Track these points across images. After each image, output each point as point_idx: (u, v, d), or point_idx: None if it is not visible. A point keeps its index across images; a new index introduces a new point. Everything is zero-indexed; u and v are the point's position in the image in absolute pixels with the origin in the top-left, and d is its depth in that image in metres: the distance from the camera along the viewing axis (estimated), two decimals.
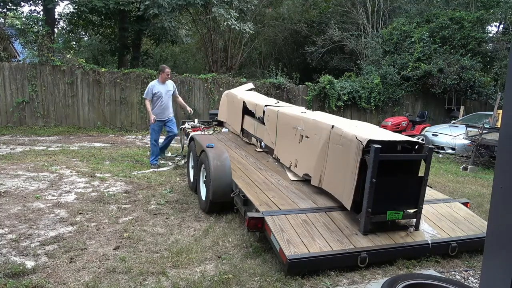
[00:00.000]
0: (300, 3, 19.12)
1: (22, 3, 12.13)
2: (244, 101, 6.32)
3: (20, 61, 13.35)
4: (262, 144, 5.87)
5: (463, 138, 9.55)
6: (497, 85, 14.24)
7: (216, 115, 7.88)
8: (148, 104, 6.76)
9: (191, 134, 6.03)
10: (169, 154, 7.96)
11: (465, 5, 16.55)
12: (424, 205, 3.66)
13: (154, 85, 6.75)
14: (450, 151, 10.50)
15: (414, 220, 3.64)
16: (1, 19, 12.90)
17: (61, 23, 16.95)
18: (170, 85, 7.02)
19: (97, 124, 11.52)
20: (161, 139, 7.29)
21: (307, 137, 4.34)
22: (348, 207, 3.55)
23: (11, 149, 8.05)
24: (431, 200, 4.30)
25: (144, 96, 6.88)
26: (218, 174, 4.26)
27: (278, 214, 3.56)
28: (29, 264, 3.16)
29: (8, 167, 6.37)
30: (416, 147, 3.68)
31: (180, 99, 7.41)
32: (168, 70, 6.86)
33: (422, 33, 14.34)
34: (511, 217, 1.44)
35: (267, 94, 12.12)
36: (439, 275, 3.14)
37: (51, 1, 11.58)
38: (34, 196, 4.95)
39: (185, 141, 6.91)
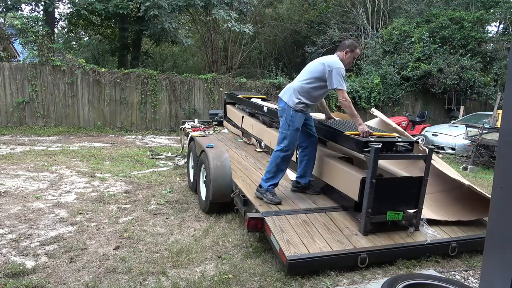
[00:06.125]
0: (299, 3, 19.11)
1: (23, 6, 12.12)
2: None
3: (20, 61, 13.35)
4: (262, 144, 5.86)
5: (463, 138, 9.55)
6: (497, 85, 14.25)
7: (216, 115, 7.81)
8: (348, 99, 3.68)
9: (191, 134, 6.02)
10: (169, 154, 7.95)
11: (465, 5, 16.55)
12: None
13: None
14: (450, 151, 10.50)
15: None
16: (1, 19, 12.89)
17: (61, 23, 16.95)
18: None
19: (97, 124, 11.51)
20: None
21: None
22: None
23: (11, 149, 8.05)
24: None
25: (340, 87, 3.66)
26: (218, 174, 4.26)
27: (278, 215, 3.56)
28: (29, 264, 3.16)
29: (8, 167, 6.37)
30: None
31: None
32: (358, 51, 3.97)
33: (422, 33, 14.33)
34: (511, 217, 1.44)
35: (267, 94, 12.12)
36: (439, 275, 3.14)
37: (52, 4, 11.58)
38: (34, 196, 4.95)
39: (185, 141, 6.90)
